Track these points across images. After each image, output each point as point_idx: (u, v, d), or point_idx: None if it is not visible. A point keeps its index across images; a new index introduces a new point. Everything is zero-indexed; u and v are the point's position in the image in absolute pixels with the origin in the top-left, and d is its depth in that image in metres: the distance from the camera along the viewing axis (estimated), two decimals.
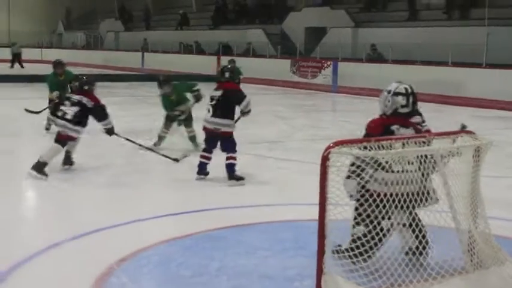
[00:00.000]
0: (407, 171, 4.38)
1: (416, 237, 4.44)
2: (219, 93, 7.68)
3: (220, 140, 7.70)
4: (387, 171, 4.30)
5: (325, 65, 24.14)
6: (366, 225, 4.30)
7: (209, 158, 7.77)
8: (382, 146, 4.11)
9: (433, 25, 22.79)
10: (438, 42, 20.62)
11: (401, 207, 4.26)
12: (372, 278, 4.12)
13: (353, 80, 22.49)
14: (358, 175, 4.25)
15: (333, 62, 23.90)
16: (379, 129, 4.66)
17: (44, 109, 11.50)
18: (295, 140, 11.80)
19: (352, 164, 4.28)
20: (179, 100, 9.73)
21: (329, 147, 4.05)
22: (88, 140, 9.78)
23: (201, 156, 7.81)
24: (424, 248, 4.48)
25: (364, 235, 4.25)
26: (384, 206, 4.22)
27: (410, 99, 4.78)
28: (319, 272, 4.11)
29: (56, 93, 10.88)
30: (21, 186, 7.78)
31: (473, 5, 22.32)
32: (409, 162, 4.42)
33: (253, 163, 9.21)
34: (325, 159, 4.03)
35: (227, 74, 7.83)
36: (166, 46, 34.03)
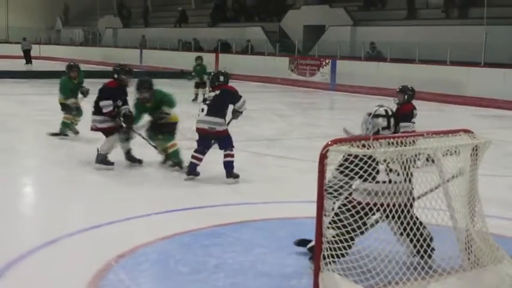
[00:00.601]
0: (394, 182, 4.40)
1: (417, 241, 4.42)
2: (216, 93, 7.73)
3: (217, 139, 7.70)
4: (371, 182, 4.31)
5: (324, 63, 24.14)
6: (338, 229, 4.29)
7: (201, 160, 7.71)
8: (380, 144, 4.11)
9: (431, 24, 22.81)
10: (437, 41, 20.64)
11: (387, 217, 4.28)
12: (369, 275, 4.13)
13: (351, 78, 22.51)
14: (336, 190, 4.25)
15: (332, 60, 23.91)
16: None
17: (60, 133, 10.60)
18: (293, 138, 11.81)
19: (336, 176, 4.29)
20: (155, 108, 8.42)
21: (327, 145, 4.05)
22: (86, 137, 9.80)
23: (193, 157, 7.73)
24: (425, 251, 4.46)
25: (334, 240, 4.23)
26: (362, 217, 4.26)
27: (391, 121, 4.80)
28: (317, 269, 4.12)
29: (72, 101, 10.49)
30: (19, 183, 7.78)
31: (472, 4, 22.34)
32: (396, 172, 4.43)
33: (251, 160, 9.21)
34: (323, 157, 4.04)
35: (222, 78, 7.93)
36: (165, 43, 34.01)
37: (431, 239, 4.55)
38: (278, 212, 6.30)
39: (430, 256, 4.47)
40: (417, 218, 4.45)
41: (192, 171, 7.71)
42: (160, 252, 5.05)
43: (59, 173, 8.12)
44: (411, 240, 4.41)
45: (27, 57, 34.90)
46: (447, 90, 19.10)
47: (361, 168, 4.19)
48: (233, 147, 7.64)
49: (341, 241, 4.23)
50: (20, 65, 32.58)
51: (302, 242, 4.95)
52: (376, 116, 4.79)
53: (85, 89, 10.42)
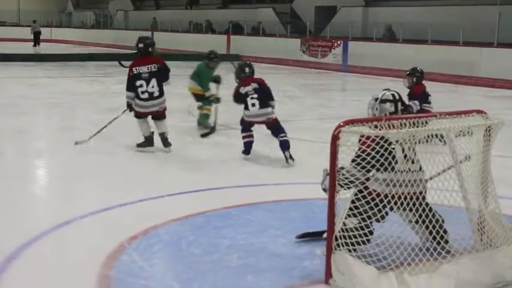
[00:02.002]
0: (412, 171, 4.38)
1: (433, 228, 4.40)
2: (255, 85, 7.96)
3: (271, 127, 7.98)
4: (389, 171, 4.28)
5: (336, 44, 24.04)
6: (358, 221, 4.29)
7: (253, 136, 8.06)
8: (393, 125, 4.10)
9: (444, 4, 22.61)
10: (449, 21, 20.47)
11: (404, 208, 4.25)
12: (381, 257, 4.13)
13: (363, 59, 22.41)
14: (351, 182, 4.26)
15: (343, 41, 23.80)
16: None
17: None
18: (304, 120, 11.79)
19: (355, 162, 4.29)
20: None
21: (339, 126, 4.05)
22: (98, 120, 9.82)
23: (246, 136, 8.00)
24: (442, 237, 4.45)
25: (356, 228, 4.23)
26: (382, 206, 4.24)
27: (399, 106, 4.72)
28: (329, 250, 4.13)
29: (210, 93, 10.01)
30: (32, 165, 7.83)
31: None
32: (412, 161, 4.41)
33: (262, 142, 9.21)
34: (335, 138, 4.03)
35: (247, 70, 8.14)
36: (176, 25, 33.96)
37: (443, 222, 4.54)
38: (290, 194, 6.31)
39: (446, 241, 4.45)
40: (428, 205, 4.43)
41: (248, 148, 7.98)
42: (173, 233, 5.07)
43: (71, 155, 8.15)
44: (427, 227, 4.39)
45: (36, 39, 35.04)
46: (460, 71, 18.98)
47: (377, 160, 4.19)
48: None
49: (362, 228, 4.23)
50: (30, 48, 32.69)
51: (305, 235, 4.93)
52: (383, 101, 4.68)
53: (218, 77, 10.03)
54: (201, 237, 4.98)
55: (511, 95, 16.41)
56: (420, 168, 4.46)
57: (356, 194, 4.36)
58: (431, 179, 4.53)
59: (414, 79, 9.24)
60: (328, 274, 4.12)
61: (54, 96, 13.33)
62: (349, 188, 4.32)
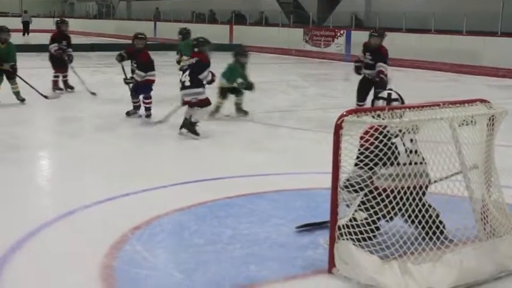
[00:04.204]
0: (415, 163, 4.38)
1: (431, 225, 4.38)
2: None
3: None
4: (394, 166, 4.27)
5: (339, 34, 23.98)
6: (366, 217, 4.28)
7: None
8: (396, 115, 4.08)
9: None
10: (453, 10, 20.40)
11: (409, 200, 4.22)
12: (384, 246, 4.13)
13: None
14: (358, 183, 4.27)
15: (346, 30, 23.74)
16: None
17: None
18: (307, 109, 11.77)
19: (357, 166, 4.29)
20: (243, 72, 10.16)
21: (342, 115, 4.04)
22: (101, 111, 9.82)
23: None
24: (442, 231, 4.42)
25: (363, 224, 4.22)
26: (391, 202, 4.20)
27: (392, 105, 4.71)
28: (332, 240, 4.13)
29: (245, 83, 10.01)
30: (34, 156, 7.83)
31: None
32: (416, 152, 4.41)
33: (266, 132, 9.22)
34: (338, 127, 4.03)
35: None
36: (179, 15, 33.89)
37: (437, 217, 4.50)
38: (293, 183, 6.30)
39: (442, 232, 4.42)
40: (424, 205, 4.40)
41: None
42: (176, 223, 5.07)
43: (74, 145, 8.16)
44: (426, 222, 4.36)
45: (26, 28, 35.50)
46: (463, 60, 18.92)
47: (379, 156, 4.18)
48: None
49: (368, 224, 4.22)
50: (27, 38, 32.72)
51: (305, 226, 4.92)
52: (378, 98, 4.76)
53: (250, 84, 10.11)
54: (204, 227, 4.98)
55: None
56: (423, 159, 4.45)
57: (366, 195, 4.34)
58: (435, 182, 4.53)
59: (382, 39, 9.90)
60: (331, 263, 4.12)
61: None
62: (361, 189, 4.31)
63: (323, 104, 12.39)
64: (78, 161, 7.37)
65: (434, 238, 4.31)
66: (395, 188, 4.22)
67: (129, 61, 9.88)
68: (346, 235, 4.12)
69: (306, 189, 6.03)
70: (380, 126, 4.23)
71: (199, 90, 8.43)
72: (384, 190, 4.26)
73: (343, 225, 4.15)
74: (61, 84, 12.51)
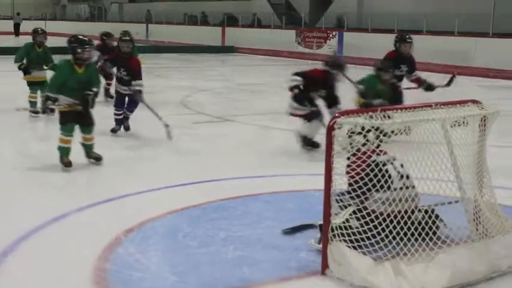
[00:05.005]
0: (406, 187, 4.42)
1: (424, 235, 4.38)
2: None
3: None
4: (385, 191, 4.30)
5: (331, 35, 24.01)
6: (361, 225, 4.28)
7: None
8: (388, 116, 4.09)
9: None
10: (444, 11, 20.47)
11: (400, 224, 4.21)
12: (377, 247, 4.14)
13: (359, 50, 22.39)
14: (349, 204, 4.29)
15: (339, 32, 23.77)
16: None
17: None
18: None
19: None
20: None
21: (335, 116, 4.05)
22: (96, 112, 9.78)
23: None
24: (434, 233, 4.40)
25: (358, 232, 4.21)
26: (384, 226, 4.19)
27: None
28: (325, 241, 4.13)
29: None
30: (26, 160, 7.80)
31: None
32: (407, 177, 4.45)
33: (258, 134, 9.22)
34: (331, 128, 4.03)
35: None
36: (171, 17, 33.88)
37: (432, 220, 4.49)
38: (286, 185, 6.30)
39: (434, 233, 4.41)
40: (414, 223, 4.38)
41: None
42: (169, 226, 5.07)
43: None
44: (419, 233, 4.35)
45: (17, 30, 36.76)
46: (455, 61, 18.96)
47: (373, 184, 4.22)
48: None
49: (360, 233, 4.20)
50: (20, 40, 32.64)
51: (293, 229, 4.92)
52: (353, 132, 4.64)
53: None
54: (197, 229, 4.98)
55: (505, 85, 16.41)
56: (413, 183, 4.50)
57: (358, 219, 4.30)
58: (436, 205, 4.55)
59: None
60: (325, 265, 4.12)
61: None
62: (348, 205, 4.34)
63: None
64: (72, 163, 7.34)
65: (427, 239, 4.32)
66: (392, 212, 4.22)
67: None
68: (339, 236, 4.13)
69: (299, 191, 6.03)
70: (368, 154, 4.35)
71: (295, 105, 8.00)
72: (373, 211, 4.26)
73: (336, 227, 4.16)
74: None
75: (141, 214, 5.23)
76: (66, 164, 6.87)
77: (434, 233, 4.31)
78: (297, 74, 7.99)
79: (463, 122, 4.44)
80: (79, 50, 6.69)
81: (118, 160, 7.57)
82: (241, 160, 7.56)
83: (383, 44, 21.24)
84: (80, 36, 6.95)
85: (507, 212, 4.71)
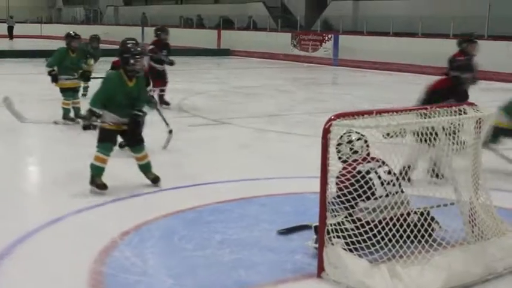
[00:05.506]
0: (392, 194, 4.43)
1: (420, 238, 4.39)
2: None
3: None
4: (369, 199, 4.34)
5: (326, 38, 24.04)
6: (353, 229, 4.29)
7: None
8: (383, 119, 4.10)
9: None
10: (439, 14, 20.51)
11: (392, 234, 4.20)
12: (373, 249, 4.14)
13: (354, 53, 22.42)
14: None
15: (334, 35, 23.80)
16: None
17: None
18: (295, 114, 11.79)
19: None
20: None
21: (330, 119, 4.05)
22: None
23: None
24: (430, 235, 4.40)
25: (355, 234, 4.22)
26: (375, 234, 4.20)
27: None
28: (321, 243, 4.14)
29: None
30: (24, 163, 7.80)
31: None
32: (393, 184, 4.47)
33: (254, 136, 9.22)
34: (326, 131, 4.04)
35: None
36: (166, 20, 33.85)
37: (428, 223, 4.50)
38: (282, 188, 6.31)
39: (430, 235, 4.42)
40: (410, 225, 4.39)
41: None
42: (165, 228, 5.07)
43: (64, 152, 8.12)
44: (415, 236, 4.36)
45: (10, 33, 37.13)
46: None
47: (358, 194, 4.29)
48: None
49: (356, 235, 4.21)
50: (14, 43, 32.71)
51: (288, 230, 4.93)
52: (341, 144, 4.79)
53: None
54: (193, 232, 4.97)
55: (500, 88, 16.44)
56: (401, 190, 4.49)
57: (346, 221, 4.32)
58: (432, 207, 4.56)
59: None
60: (321, 267, 4.13)
61: (48, 92, 13.22)
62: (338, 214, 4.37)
63: (311, 108, 12.41)
64: (67, 166, 7.33)
65: (423, 241, 4.32)
66: (383, 219, 4.22)
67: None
68: (335, 238, 4.13)
69: (295, 194, 6.04)
70: (352, 165, 4.41)
71: None
72: (367, 223, 4.26)
73: (331, 229, 4.16)
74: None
75: (137, 217, 5.23)
76: (100, 186, 6.05)
77: (430, 235, 4.33)
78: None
79: (459, 125, 4.46)
80: (132, 61, 5.88)
81: (112, 164, 7.55)
82: (238, 163, 7.56)
83: (378, 47, 21.44)
84: (130, 44, 6.00)
85: (503, 214, 4.72)
